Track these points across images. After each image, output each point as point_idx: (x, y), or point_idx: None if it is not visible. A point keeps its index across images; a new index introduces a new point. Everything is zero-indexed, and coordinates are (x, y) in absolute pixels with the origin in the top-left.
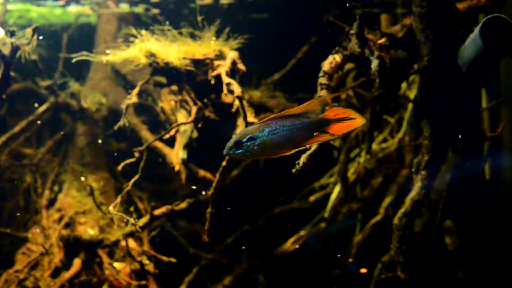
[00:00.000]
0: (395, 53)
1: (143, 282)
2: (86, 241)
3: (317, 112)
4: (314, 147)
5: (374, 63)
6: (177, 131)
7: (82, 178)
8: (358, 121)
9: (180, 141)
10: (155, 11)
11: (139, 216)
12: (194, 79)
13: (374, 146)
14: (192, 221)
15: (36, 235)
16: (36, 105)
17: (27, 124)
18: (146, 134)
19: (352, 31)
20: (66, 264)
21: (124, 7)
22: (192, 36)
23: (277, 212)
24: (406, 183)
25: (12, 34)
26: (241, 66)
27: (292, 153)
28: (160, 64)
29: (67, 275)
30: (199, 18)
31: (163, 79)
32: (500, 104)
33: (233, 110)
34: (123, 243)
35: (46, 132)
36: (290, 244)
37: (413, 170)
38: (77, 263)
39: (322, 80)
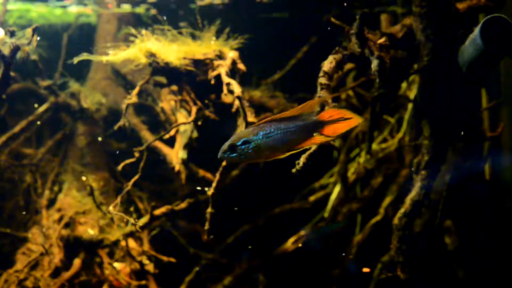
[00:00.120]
0: (395, 53)
1: (143, 282)
2: (86, 241)
3: (313, 113)
4: (314, 147)
5: (374, 63)
6: (177, 131)
7: (83, 178)
8: (354, 121)
9: (180, 141)
10: (155, 11)
11: (139, 216)
12: (194, 79)
13: (374, 146)
14: (192, 221)
15: (36, 235)
16: (36, 105)
17: (27, 124)
18: (146, 134)
19: (352, 31)
20: (66, 264)
21: (125, 7)
22: (192, 36)
23: (277, 212)
24: (406, 183)
25: (12, 34)
26: (241, 66)
27: (292, 154)
28: (160, 64)
29: (67, 275)
30: (199, 18)
31: (163, 79)
32: (500, 104)
33: (233, 110)
34: (123, 243)
35: (46, 132)
36: (290, 244)
37: (413, 170)
38: (77, 263)
39: (322, 80)
